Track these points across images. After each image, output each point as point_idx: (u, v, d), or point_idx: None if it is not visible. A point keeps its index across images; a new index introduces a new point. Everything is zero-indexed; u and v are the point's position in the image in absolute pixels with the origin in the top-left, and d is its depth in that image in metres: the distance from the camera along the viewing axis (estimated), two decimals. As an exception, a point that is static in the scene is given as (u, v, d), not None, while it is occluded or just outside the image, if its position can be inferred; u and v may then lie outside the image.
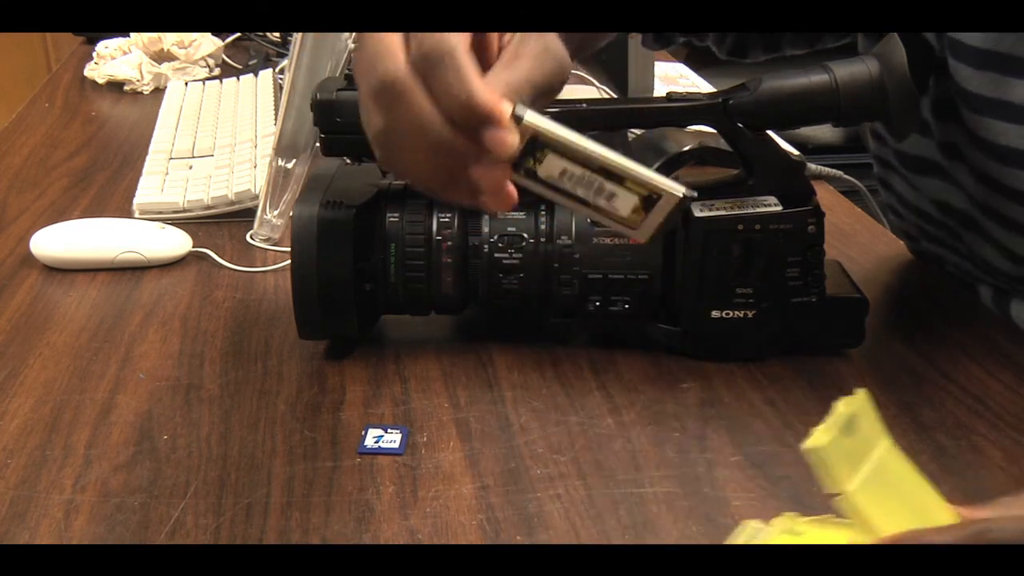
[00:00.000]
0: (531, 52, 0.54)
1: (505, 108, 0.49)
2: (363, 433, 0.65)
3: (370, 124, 0.53)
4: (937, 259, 0.88)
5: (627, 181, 0.47)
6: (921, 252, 0.90)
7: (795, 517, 0.49)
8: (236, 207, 1.00)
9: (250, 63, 1.56)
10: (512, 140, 0.49)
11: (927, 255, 0.89)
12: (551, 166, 0.49)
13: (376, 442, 0.65)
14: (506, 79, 0.52)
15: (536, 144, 0.49)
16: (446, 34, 0.50)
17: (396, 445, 0.64)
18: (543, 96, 0.55)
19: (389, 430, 0.66)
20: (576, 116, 0.72)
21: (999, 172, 0.71)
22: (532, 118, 0.49)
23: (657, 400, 0.69)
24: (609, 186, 0.47)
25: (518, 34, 0.55)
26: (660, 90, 1.24)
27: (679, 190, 0.46)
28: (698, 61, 1.59)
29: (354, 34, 0.53)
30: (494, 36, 0.55)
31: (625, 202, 0.47)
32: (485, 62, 0.54)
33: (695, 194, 0.46)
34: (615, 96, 1.26)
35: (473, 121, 0.49)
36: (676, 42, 0.91)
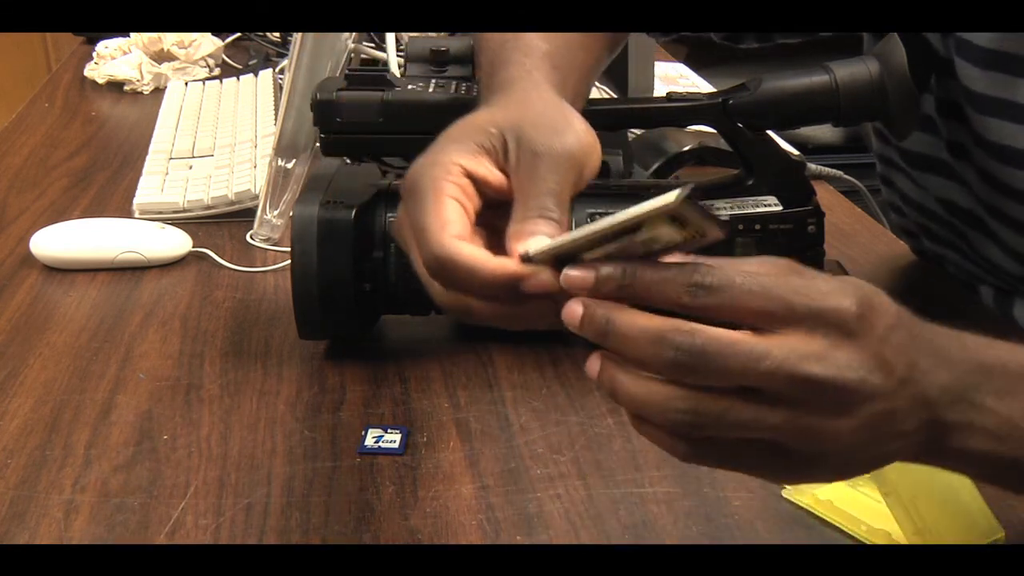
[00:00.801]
0: (538, 172, 0.53)
1: (516, 264, 0.49)
2: (363, 433, 0.65)
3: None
4: (939, 258, 0.87)
5: (645, 224, 0.45)
6: (923, 251, 0.90)
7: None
8: (236, 207, 0.99)
9: (250, 63, 1.56)
10: (547, 279, 0.48)
11: (928, 254, 0.89)
12: (593, 257, 0.48)
13: (376, 442, 0.65)
14: (530, 221, 0.51)
15: (566, 256, 0.47)
16: (431, 247, 0.50)
17: (396, 445, 0.64)
18: (584, 184, 0.55)
19: (389, 430, 0.66)
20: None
21: (1004, 173, 0.71)
22: (539, 248, 0.48)
23: (657, 400, 0.69)
24: (642, 235, 0.46)
25: (515, 153, 0.53)
26: (660, 90, 1.24)
27: (673, 196, 0.45)
28: (698, 61, 1.59)
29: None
30: (484, 169, 0.53)
31: (668, 233, 0.45)
32: (496, 189, 0.53)
33: (690, 186, 0.45)
34: (615, 96, 1.26)
35: (513, 296, 0.49)
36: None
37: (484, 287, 0.49)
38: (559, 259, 0.47)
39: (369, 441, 0.65)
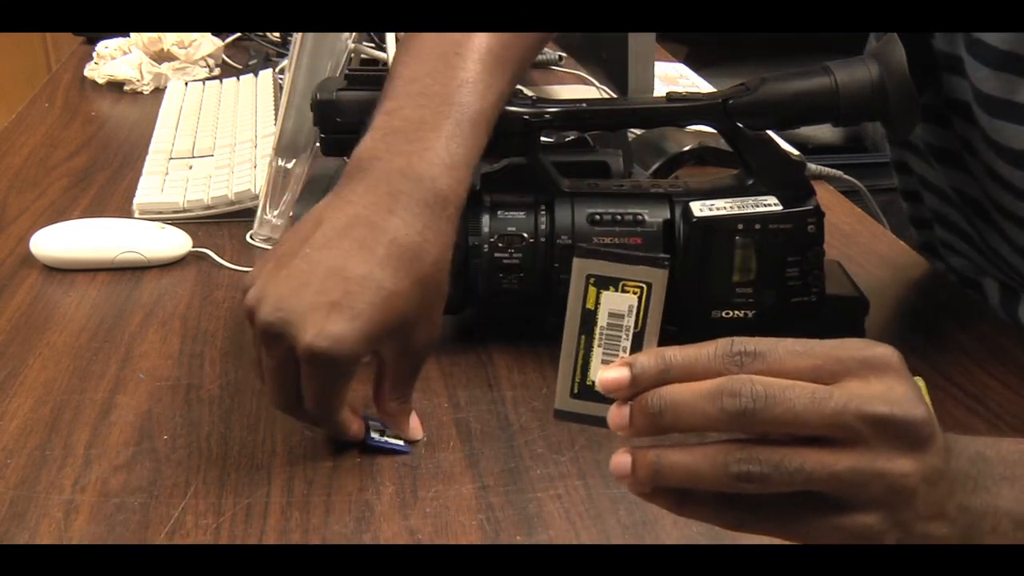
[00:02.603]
0: (411, 365, 0.63)
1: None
2: (367, 427, 0.64)
3: None
4: (947, 247, 0.87)
5: (591, 303, 0.45)
6: (930, 243, 0.90)
7: None
8: (236, 207, 0.99)
9: (250, 63, 1.56)
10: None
11: (936, 244, 0.88)
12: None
13: (382, 435, 0.64)
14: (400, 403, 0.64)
15: (582, 385, 0.46)
16: (343, 427, 0.63)
17: (401, 441, 0.64)
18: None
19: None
20: (576, 116, 0.72)
21: (1011, 174, 0.71)
22: (561, 401, 0.46)
23: (657, 400, 0.69)
24: (603, 319, 0.45)
25: (394, 351, 0.62)
26: (660, 90, 1.24)
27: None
28: (698, 61, 1.59)
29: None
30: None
31: (617, 300, 0.44)
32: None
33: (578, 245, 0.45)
34: (615, 96, 1.26)
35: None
36: None
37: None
38: (583, 391, 0.46)
39: (374, 434, 0.64)
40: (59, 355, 0.76)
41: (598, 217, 0.70)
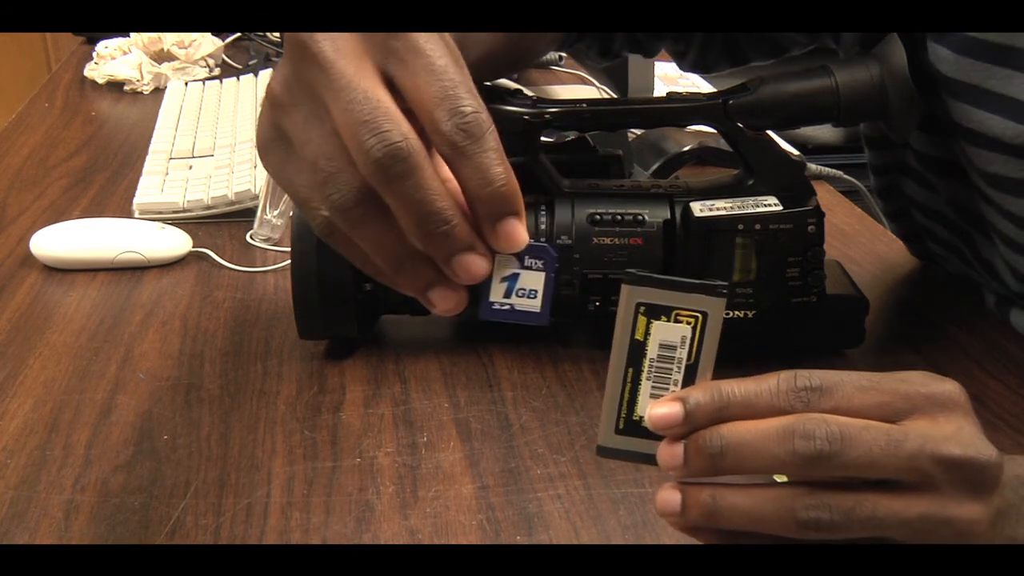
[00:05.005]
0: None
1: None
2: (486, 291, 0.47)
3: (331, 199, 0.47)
4: (942, 259, 0.87)
5: (640, 334, 0.44)
6: (924, 252, 0.90)
7: None
8: (236, 207, 1.00)
9: (250, 63, 1.56)
10: (525, 234, 0.45)
11: (929, 254, 0.89)
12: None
13: (507, 295, 0.47)
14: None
15: (629, 420, 0.44)
16: (483, 108, 0.44)
17: (537, 303, 0.47)
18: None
19: (527, 263, 0.46)
20: (576, 116, 0.72)
21: (996, 197, 0.71)
22: (604, 437, 0.44)
23: (657, 400, 0.69)
24: (654, 351, 0.42)
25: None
26: (660, 90, 1.24)
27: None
28: (698, 61, 1.58)
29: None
30: None
31: (670, 331, 0.42)
32: None
33: (626, 271, 0.43)
34: (615, 96, 1.26)
35: (497, 209, 0.45)
36: (622, 55, 0.86)
37: (501, 185, 0.44)
38: (629, 426, 0.44)
39: (495, 296, 0.46)
40: (59, 355, 0.76)
41: (598, 217, 0.70)
